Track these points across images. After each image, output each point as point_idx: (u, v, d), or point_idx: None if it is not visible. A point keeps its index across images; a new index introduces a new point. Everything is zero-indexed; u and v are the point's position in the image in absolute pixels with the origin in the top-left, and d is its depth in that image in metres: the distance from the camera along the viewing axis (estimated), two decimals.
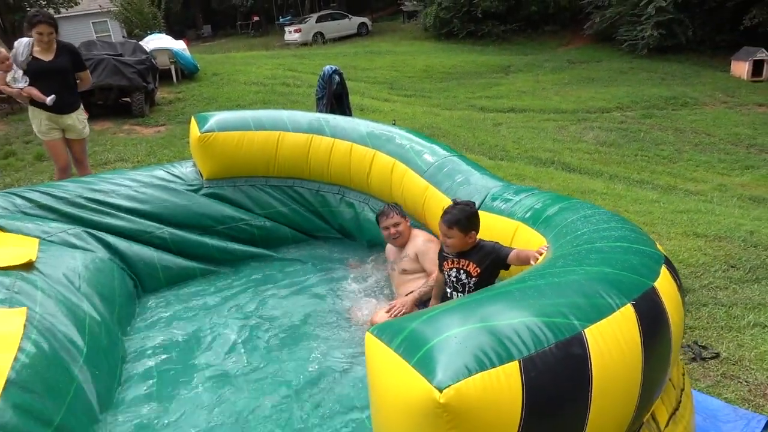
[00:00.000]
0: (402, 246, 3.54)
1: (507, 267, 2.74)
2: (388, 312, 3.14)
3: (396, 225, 3.51)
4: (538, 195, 3.08)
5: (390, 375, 1.40)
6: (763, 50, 15.34)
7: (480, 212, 3.29)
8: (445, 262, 2.86)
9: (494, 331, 1.39)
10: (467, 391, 1.25)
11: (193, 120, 4.40)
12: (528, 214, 2.91)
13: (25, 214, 3.71)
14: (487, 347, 1.34)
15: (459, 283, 2.81)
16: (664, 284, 1.84)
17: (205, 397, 2.76)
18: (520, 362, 1.33)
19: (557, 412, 1.36)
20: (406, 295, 3.27)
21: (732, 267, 4.83)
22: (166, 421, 2.58)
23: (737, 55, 15.87)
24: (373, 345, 1.51)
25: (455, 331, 1.39)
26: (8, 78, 4.84)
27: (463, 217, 2.68)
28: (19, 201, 3.77)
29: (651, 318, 1.65)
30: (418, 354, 1.35)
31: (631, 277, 1.76)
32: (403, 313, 3.08)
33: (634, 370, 1.54)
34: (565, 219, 2.57)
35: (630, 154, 10.11)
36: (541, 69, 16.88)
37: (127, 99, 8.87)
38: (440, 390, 1.24)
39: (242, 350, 3.12)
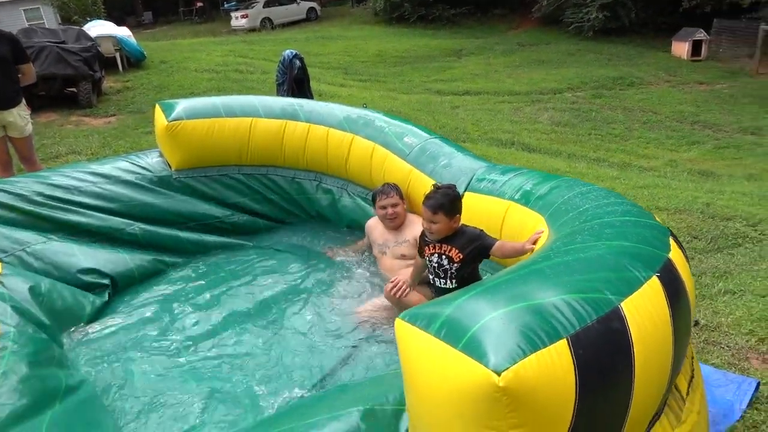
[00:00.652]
0: (396, 229, 3.48)
1: (488, 257, 2.73)
2: (391, 289, 3.04)
3: (395, 206, 3.44)
4: (526, 174, 3.08)
5: (433, 362, 1.36)
6: (702, 31, 15.99)
7: (468, 193, 3.29)
8: (427, 248, 2.80)
9: (538, 310, 1.36)
10: (525, 373, 1.21)
11: (157, 108, 4.18)
12: (518, 194, 2.90)
13: None
14: (534, 326, 1.31)
15: (441, 269, 2.77)
16: (676, 255, 1.86)
17: (179, 384, 2.67)
18: (568, 340, 1.31)
19: (607, 386, 1.35)
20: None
21: (695, 238, 5.03)
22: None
23: (677, 35, 16.49)
24: (408, 331, 1.46)
25: (498, 312, 1.36)
26: None
27: (447, 201, 2.63)
28: None
29: (673, 288, 1.66)
30: (465, 338, 1.31)
31: (649, 250, 1.77)
32: (405, 290, 3.01)
33: (666, 339, 1.55)
34: (561, 196, 2.58)
35: (584, 134, 10.37)
36: (493, 52, 17.06)
37: (73, 89, 8.38)
38: (498, 373, 1.21)
39: (219, 342, 3.01)
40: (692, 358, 2.04)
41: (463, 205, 2.73)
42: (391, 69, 14.77)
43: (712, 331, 3.37)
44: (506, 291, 1.47)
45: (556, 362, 1.27)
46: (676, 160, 9.18)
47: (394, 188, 3.50)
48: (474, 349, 1.28)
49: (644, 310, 1.50)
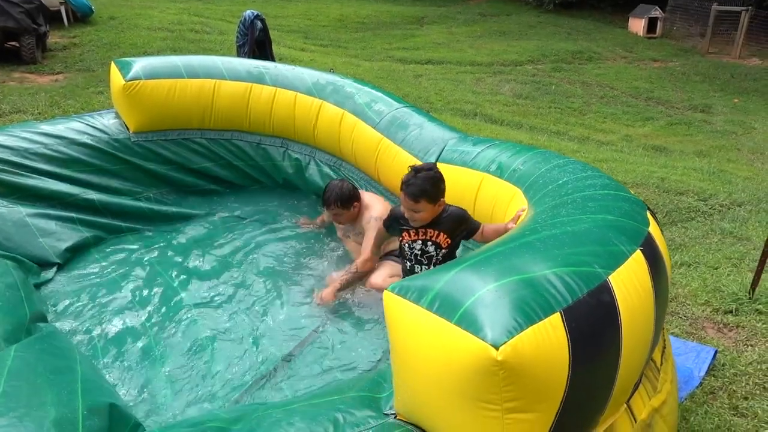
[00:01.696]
0: (350, 222, 3.37)
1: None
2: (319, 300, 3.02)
3: (337, 215, 3.31)
4: (500, 146, 3.07)
5: (426, 335, 1.33)
6: (657, 8, 16.30)
7: (439, 164, 3.24)
8: (406, 234, 2.53)
9: (532, 283, 1.35)
10: (522, 347, 1.20)
11: (113, 66, 3.95)
12: (493, 166, 2.88)
13: None
14: (529, 299, 1.30)
15: (425, 256, 2.52)
16: (655, 230, 1.89)
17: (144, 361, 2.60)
18: (561, 313, 1.31)
19: (598, 358, 1.36)
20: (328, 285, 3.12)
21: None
22: None
23: (634, 12, 16.76)
24: (398, 304, 1.43)
25: (492, 286, 1.34)
26: None
27: (430, 186, 2.33)
28: None
29: (654, 262, 1.69)
30: (459, 311, 1.29)
31: (631, 224, 1.79)
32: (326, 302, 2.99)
33: (648, 311, 1.58)
34: (537, 169, 2.57)
35: (544, 107, 10.49)
36: (455, 21, 16.94)
37: (15, 43, 7.83)
38: (496, 347, 1.19)
39: (179, 317, 2.93)
40: (663, 328, 2.09)
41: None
42: (353, 35, 14.48)
43: (671, 301, 3.49)
44: (497, 264, 1.45)
45: (551, 335, 1.26)
46: (632, 135, 9.42)
47: (336, 198, 3.22)
48: (470, 323, 1.26)
49: (630, 283, 1.52)
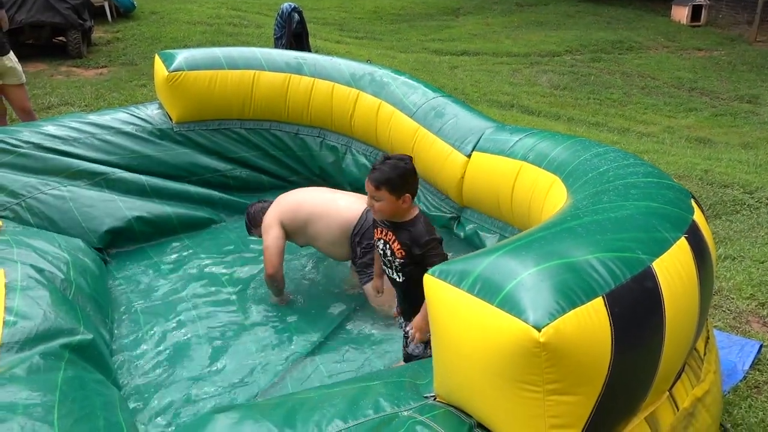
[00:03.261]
0: None
1: None
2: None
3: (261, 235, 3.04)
4: (538, 135, 3.05)
5: (467, 318, 1.35)
6: None
7: (475, 153, 3.25)
8: (376, 229, 2.35)
9: (575, 267, 1.35)
10: (564, 329, 1.21)
11: (157, 58, 4.06)
12: (532, 154, 2.87)
13: None
14: (572, 283, 1.30)
15: (386, 258, 2.32)
16: (700, 218, 1.86)
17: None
18: (604, 298, 1.31)
19: (640, 344, 1.35)
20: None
21: None
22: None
23: (677, 0, 16.23)
24: (438, 287, 1.45)
25: (534, 270, 1.34)
26: None
27: (395, 175, 2.13)
28: None
29: (699, 250, 1.66)
30: (501, 294, 1.30)
31: (675, 211, 1.76)
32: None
33: (693, 299, 1.56)
34: (577, 157, 2.55)
35: (583, 98, 10.28)
36: (491, 12, 16.71)
37: (62, 38, 8.09)
38: (539, 329, 1.20)
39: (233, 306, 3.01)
40: (707, 320, 2.06)
41: (411, 183, 2.19)
42: (388, 26, 14.44)
43: (714, 294, 3.41)
44: (538, 249, 1.46)
45: (593, 319, 1.26)
46: (674, 126, 9.17)
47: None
48: (512, 306, 1.27)
49: (674, 270, 1.50)
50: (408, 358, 2.38)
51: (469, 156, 3.23)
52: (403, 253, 2.21)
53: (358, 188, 3.98)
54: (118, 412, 2.00)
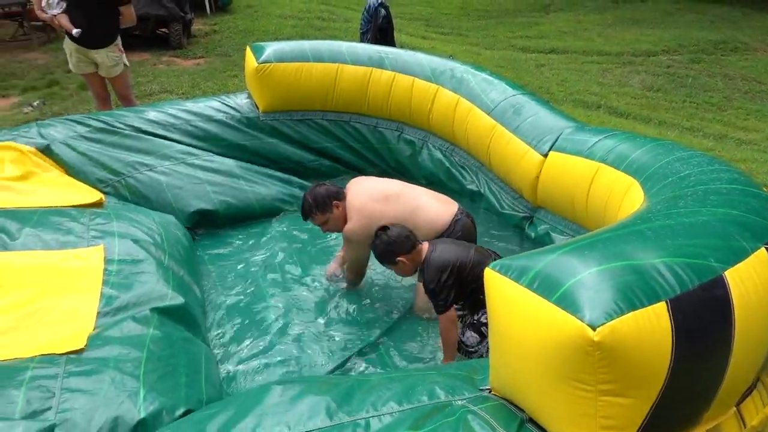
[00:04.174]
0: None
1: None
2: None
3: (324, 223, 2.86)
4: (619, 136, 2.96)
5: (525, 313, 1.37)
6: None
7: (553, 153, 3.19)
8: None
9: (639, 270, 1.33)
10: (621, 330, 1.20)
11: (248, 50, 4.27)
12: (611, 156, 2.79)
13: (86, 139, 3.69)
14: (633, 286, 1.29)
15: None
16: None
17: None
18: (667, 303, 1.28)
19: (704, 354, 1.31)
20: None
21: None
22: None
23: None
24: (498, 281, 1.47)
25: (595, 269, 1.34)
26: (43, 2, 4.67)
27: (384, 251, 2.57)
28: (79, 127, 3.74)
29: None
30: (559, 291, 1.31)
31: (758, 221, 1.68)
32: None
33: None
34: (658, 160, 2.46)
35: (678, 101, 9.74)
36: (583, 8, 16.13)
37: (165, 30, 8.66)
38: (594, 328, 1.20)
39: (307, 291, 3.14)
40: None
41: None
42: (475, 23, 14.30)
43: None
44: (603, 249, 1.44)
45: (654, 323, 1.24)
46: None
47: (309, 206, 2.83)
48: (569, 303, 1.27)
49: (749, 281, 1.44)
50: (463, 350, 2.45)
51: (545, 155, 3.18)
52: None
53: (432, 182, 4.04)
54: (201, 368, 2.18)
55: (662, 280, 1.32)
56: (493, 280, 1.49)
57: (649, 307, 1.26)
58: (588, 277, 1.32)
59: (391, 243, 2.53)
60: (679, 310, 1.28)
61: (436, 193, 3.02)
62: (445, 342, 2.44)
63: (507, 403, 1.53)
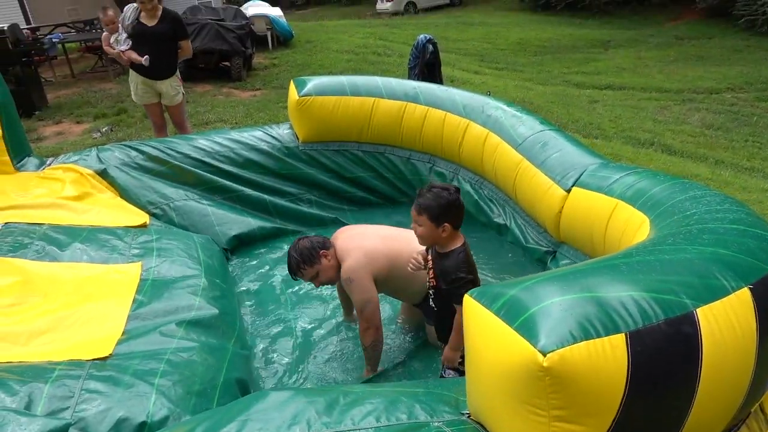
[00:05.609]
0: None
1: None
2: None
3: (314, 278, 2.68)
4: (641, 173, 2.95)
5: (489, 338, 1.42)
6: None
7: (575, 188, 3.21)
8: (428, 253, 2.43)
9: (601, 302, 1.37)
10: (571, 358, 1.24)
11: (291, 84, 4.53)
12: (629, 192, 2.79)
13: (138, 165, 4.01)
14: (592, 317, 1.33)
15: (428, 284, 2.45)
16: None
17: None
18: (626, 335, 1.31)
19: (662, 391, 1.32)
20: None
21: None
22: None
23: None
24: (472, 307, 1.53)
25: (559, 299, 1.38)
26: (112, 39, 5.17)
27: (435, 204, 2.20)
28: (133, 153, 4.07)
29: (766, 305, 1.56)
30: (521, 318, 1.36)
31: (748, 261, 1.66)
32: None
33: (746, 356, 1.47)
34: (671, 198, 2.45)
35: (739, 140, 9.38)
36: (645, 45, 15.87)
37: (227, 63, 9.23)
38: (544, 354, 1.25)
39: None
40: None
41: (458, 215, 2.24)
42: (531, 58, 14.34)
43: None
44: (574, 280, 1.48)
45: (608, 354, 1.27)
46: None
47: (296, 262, 2.64)
48: (527, 330, 1.32)
49: (724, 320, 1.44)
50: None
51: (568, 191, 3.20)
52: (434, 282, 2.34)
53: None
54: (219, 378, 2.32)
55: (625, 313, 1.35)
56: (469, 306, 1.55)
57: (605, 338, 1.29)
58: (551, 305, 1.36)
59: (453, 204, 2.24)
60: (639, 343, 1.31)
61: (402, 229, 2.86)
62: (458, 329, 2.28)
63: (480, 427, 1.57)
